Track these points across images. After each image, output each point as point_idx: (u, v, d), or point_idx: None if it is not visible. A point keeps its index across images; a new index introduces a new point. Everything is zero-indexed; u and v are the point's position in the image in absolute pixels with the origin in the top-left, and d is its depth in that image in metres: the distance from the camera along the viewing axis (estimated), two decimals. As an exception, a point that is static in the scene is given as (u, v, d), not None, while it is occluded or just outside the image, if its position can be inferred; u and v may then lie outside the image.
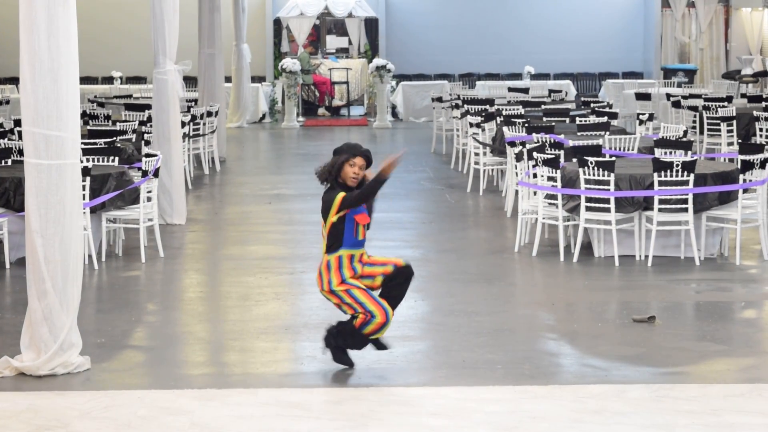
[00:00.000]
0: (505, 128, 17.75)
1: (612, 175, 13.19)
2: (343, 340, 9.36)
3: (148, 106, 19.33)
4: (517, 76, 33.40)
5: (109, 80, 32.70)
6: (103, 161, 14.64)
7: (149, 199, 14.05)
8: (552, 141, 15.82)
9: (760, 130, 19.18)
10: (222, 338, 10.79)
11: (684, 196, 13.17)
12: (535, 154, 14.10)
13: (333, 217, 9.29)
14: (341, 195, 9.24)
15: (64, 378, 9.31)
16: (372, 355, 9.91)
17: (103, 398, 8.79)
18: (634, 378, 9.26)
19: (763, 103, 21.91)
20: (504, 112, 20.48)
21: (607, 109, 21.16)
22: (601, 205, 13.30)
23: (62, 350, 9.40)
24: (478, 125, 19.16)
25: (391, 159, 9.27)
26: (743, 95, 25.68)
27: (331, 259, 9.31)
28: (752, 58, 33.38)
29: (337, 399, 8.72)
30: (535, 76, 32.66)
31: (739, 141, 18.80)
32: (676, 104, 24.07)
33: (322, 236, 9.33)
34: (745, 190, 13.43)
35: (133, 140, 17.45)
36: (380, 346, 9.48)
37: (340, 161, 9.36)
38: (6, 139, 17.12)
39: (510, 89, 29.00)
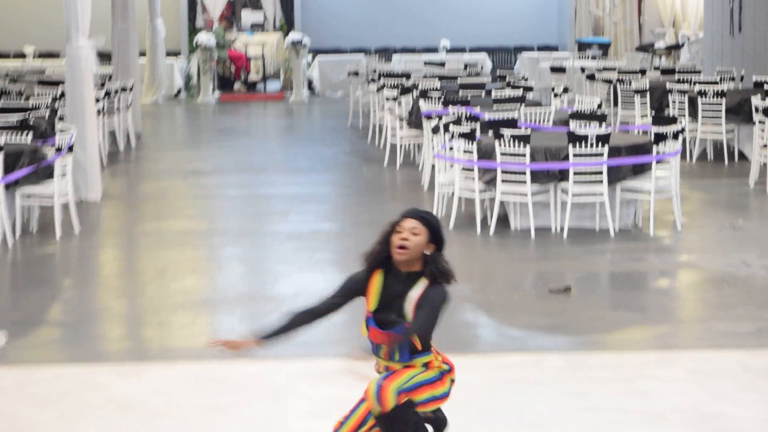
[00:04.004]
0: (421, 102, 17.80)
1: (527, 147, 13.26)
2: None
3: (62, 82, 19.16)
4: (434, 50, 33.42)
5: (21, 56, 32.30)
6: (16, 138, 14.50)
7: (64, 175, 13.94)
8: (468, 114, 15.86)
9: (673, 102, 19.37)
10: (140, 313, 10.76)
11: (598, 168, 13.27)
12: (451, 128, 14.13)
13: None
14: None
15: (-20, 355, 9.26)
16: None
17: (19, 375, 8.74)
18: (550, 347, 9.35)
19: (676, 76, 22.11)
20: (420, 86, 20.52)
21: (522, 83, 21.28)
22: (517, 178, 13.37)
23: (-23, 327, 9.35)
24: (394, 99, 19.19)
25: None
26: (656, 68, 25.90)
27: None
28: (665, 31, 33.64)
29: (257, 371, 8.72)
30: (451, 50, 32.70)
31: (653, 113, 18.96)
32: (591, 77, 24.26)
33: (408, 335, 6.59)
34: (658, 162, 13.55)
35: (47, 117, 17.29)
36: None
37: (386, 232, 6.65)
38: None
39: (426, 63, 29.07)
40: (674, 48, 32.23)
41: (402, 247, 6.45)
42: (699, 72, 23.65)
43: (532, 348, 9.33)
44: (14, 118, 16.19)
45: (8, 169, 13.29)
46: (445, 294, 6.45)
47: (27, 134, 14.63)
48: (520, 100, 18.03)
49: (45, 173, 13.75)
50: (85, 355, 9.38)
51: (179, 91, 31.95)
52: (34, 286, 11.61)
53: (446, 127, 14.41)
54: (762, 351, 9.07)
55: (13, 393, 8.33)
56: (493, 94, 18.76)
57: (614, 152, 13.34)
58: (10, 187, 13.43)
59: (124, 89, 21.72)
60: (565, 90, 20.21)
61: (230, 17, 34.39)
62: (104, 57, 24.32)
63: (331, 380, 8.48)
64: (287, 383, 8.48)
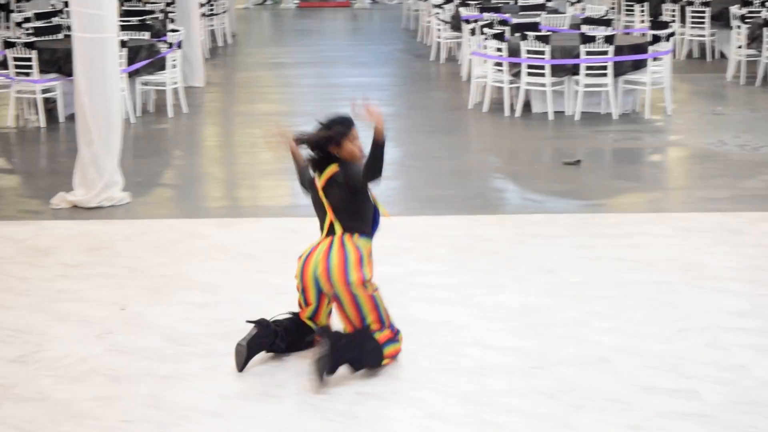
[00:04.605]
0: (461, 8, 17.58)
1: (547, 46, 13.11)
2: (359, 355, 5.72)
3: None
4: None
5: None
6: (136, 35, 14.47)
7: (174, 66, 13.92)
8: (499, 19, 15.68)
9: (667, 10, 19.05)
10: (235, 178, 10.79)
11: (605, 64, 13.11)
12: (485, 30, 14.00)
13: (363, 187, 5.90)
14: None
15: (109, 209, 9.32)
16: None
17: (140, 225, 8.81)
18: (563, 209, 9.31)
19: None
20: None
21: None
22: (539, 71, 13.24)
23: (107, 187, 9.40)
24: (439, 6, 18.93)
25: (375, 116, 5.98)
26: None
27: (365, 246, 5.86)
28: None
29: (328, 225, 8.72)
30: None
31: (650, 19, 18.67)
32: (600, -11, 23.80)
33: (329, 212, 5.95)
34: (654, 59, 13.41)
35: (160, 18, 17.20)
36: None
37: (339, 136, 6.07)
38: (57, 17, 16.87)
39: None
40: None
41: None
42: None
43: (548, 209, 9.29)
44: (135, 19, 16.13)
45: (130, 61, 13.27)
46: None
47: (145, 33, 14.59)
48: (542, 7, 17.75)
49: (159, 64, 13.73)
50: (192, 210, 9.44)
51: (266, -1, 31.62)
52: (152, 155, 11.65)
53: (481, 29, 14.26)
54: (735, 213, 9.00)
55: (135, 240, 8.41)
56: (520, 1, 18.47)
57: (618, 51, 13.17)
58: (132, 75, 13.43)
59: (222, -4, 21.54)
60: (579, 0, 19.87)
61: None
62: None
63: (388, 231, 8.48)
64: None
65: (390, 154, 11.48)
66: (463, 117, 13.63)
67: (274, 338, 5.90)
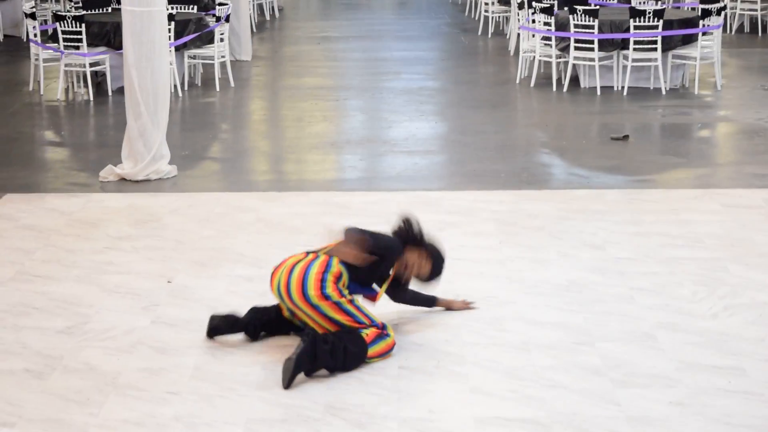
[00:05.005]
0: (509, -18, 17.47)
1: (596, 20, 13.01)
2: (340, 360, 5.50)
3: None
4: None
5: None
6: (184, 9, 14.51)
7: (222, 40, 13.95)
8: (547, -7, 15.56)
9: (718, -16, 18.83)
10: (281, 152, 10.81)
11: (654, 38, 12.99)
12: (533, 4, 13.90)
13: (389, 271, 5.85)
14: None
15: (157, 182, 9.38)
16: (400, 164, 9.92)
17: (187, 198, 8.86)
18: (610, 184, 9.26)
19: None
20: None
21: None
22: (587, 46, 13.15)
23: (154, 160, 9.45)
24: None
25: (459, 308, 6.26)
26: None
27: (334, 269, 5.60)
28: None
29: (374, 200, 8.76)
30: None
31: (700, -7, 18.45)
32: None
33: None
34: (703, 33, 13.28)
35: (208, -8, 17.24)
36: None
37: (425, 248, 5.90)
38: (106, -9, 16.95)
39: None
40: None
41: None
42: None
43: (595, 184, 9.24)
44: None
45: (178, 35, 13.32)
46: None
47: (193, 7, 14.62)
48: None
49: (207, 38, 13.76)
50: (238, 184, 9.48)
51: (314, -27, 31.61)
52: (199, 128, 11.70)
53: (530, 3, 14.17)
54: (784, 190, 8.91)
55: (183, 213, 8.46)
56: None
57: (667, 25, 13.04)
58: (180, 49, 13.48)
59: (269, -29, 21.55)
60: (628, -27, 19.68)
61: None
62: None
63: (434, 205, 8.49)
64: (398, 209, 8.50)
65: (436, 128, 11.50)
66: (510, 91, 13.57)
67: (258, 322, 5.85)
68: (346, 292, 5.62)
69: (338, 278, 5.59)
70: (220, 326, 5.90)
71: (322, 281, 5.56)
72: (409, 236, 5.85)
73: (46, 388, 5.44)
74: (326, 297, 5.55)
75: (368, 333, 5.61)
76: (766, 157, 10.11)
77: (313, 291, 5.54)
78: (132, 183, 9.32)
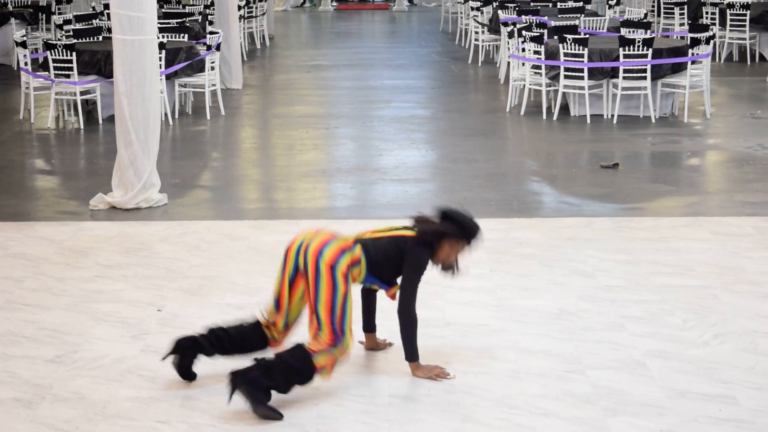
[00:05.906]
0: (499, 11, 17.56)
1: (586, 49, 13.07)
2: (284, 379, 5.41)
3: (211, -7, 19.10)
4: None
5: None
6: (175, 37, 14.55)
7: (212, 68, 13.98)
8: (537, 21, 15.66)
9: (706, 12, 18.94)
10: (271, 180, 10.82)
11: (643, 67, 13.05)
12: (523, 32, 13.98)
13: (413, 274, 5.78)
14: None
15: (147, 211, 9.37)
16: (390, 192, 9.93)
17: (177, 227, 8.85)
18: (600, 212, 9.27)
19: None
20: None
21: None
22: (577, 74, 13.20)
23: (145, 188, 9.45)
24: (477, 9, 18.92)
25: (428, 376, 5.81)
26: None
27: (353, 254, 5.70)
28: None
29: (364, 228, 8.72)
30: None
31: (689, 22, 18.56)
32: (639, -8, 23.70)
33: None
34: (693, 62, 13.35)
35: (199, 20, 17.30)
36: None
37: (448, 236, 5.78)
38: (97, 20, 17.00)
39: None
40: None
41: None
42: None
43: (585, 212, 9.26)
44: (174, 22, 16.23)
45: (169, 63, 13.34)
46: None
47: (184, 35, 14.66)
48: (581, 10, 17.71)
49: (198, 66, 13.80)
50: (228, 212, 9.48)
51: (304, 1, 31.72)
52: (189, 156, 11.70)
53: (519, 32, 14.23)
54: (774, 218, 8.94)
55: (173, 241, 8.45)
56: (559, 5, 18.42)
57: (657, 53, 13.10)
58: (171, 77, 13.50)
59: (260, -1, 21.63)
60: (618, 2, 19.80)
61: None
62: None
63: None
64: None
65: (427, 156, 11.52)
66: (500, 120, 13.60)
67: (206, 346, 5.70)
68: (358, 279, 5.69)
69: (355, 263, 5.65)
70: (184, 364, 5.72)
71: (340, 254, 5.59)
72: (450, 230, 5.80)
73: (35, 418, 5.41)
74: (333, 269, 5.54)
75: (318, 342, 5.44)
76: (755, 185, 10.14)
77: (327, 257, 5.57)
78: (122, 211, 9.31)
